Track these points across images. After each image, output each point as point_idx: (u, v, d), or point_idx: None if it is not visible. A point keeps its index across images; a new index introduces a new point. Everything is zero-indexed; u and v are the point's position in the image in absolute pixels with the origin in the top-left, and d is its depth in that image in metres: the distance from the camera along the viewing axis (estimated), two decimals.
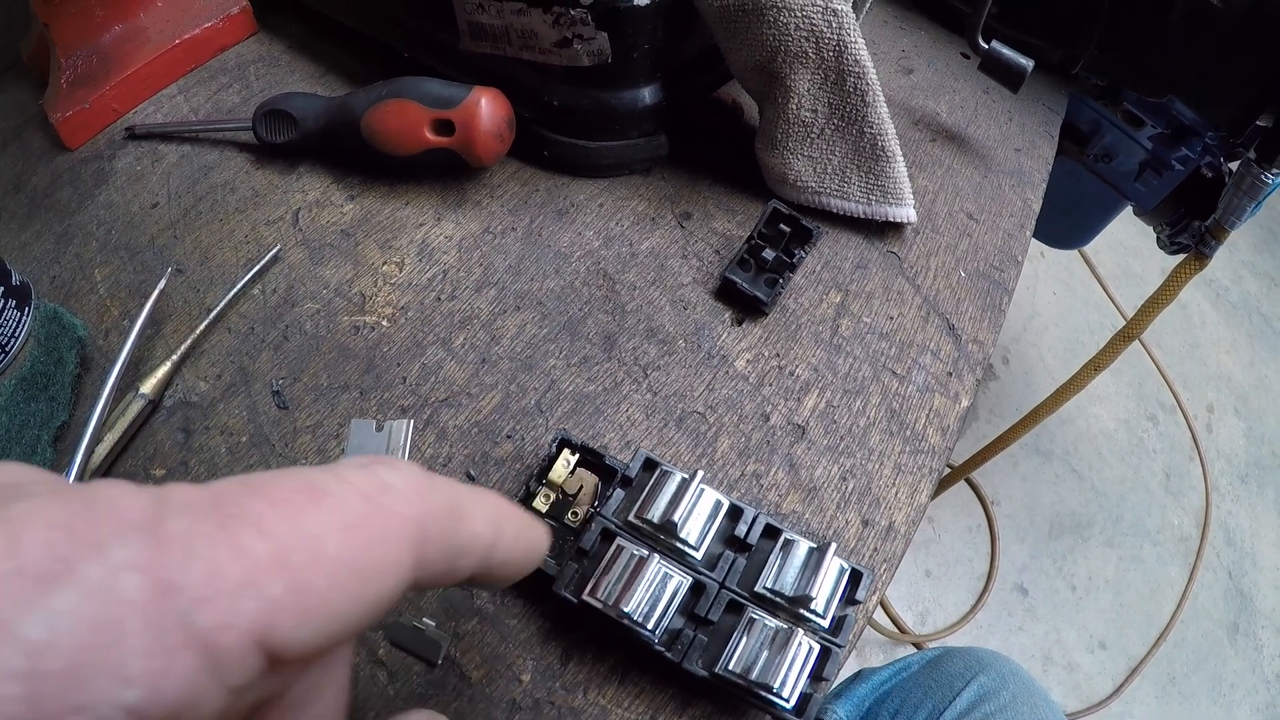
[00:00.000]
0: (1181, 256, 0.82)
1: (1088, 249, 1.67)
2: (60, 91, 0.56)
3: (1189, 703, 1.31)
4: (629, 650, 0.37)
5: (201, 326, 0.46)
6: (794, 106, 0.47)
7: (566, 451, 0.38)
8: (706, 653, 0.34)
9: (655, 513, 0.34)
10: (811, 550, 0.35)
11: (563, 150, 0.51)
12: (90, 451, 0.41)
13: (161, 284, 0.47)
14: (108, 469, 0.42)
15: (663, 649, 0.34)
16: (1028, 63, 0.59)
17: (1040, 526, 1.42)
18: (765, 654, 0.33)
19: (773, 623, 0.34)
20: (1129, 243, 1.76)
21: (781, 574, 0.34)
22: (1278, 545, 1.50)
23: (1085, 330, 1.63)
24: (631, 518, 0.35)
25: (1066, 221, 1.07)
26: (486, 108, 0.47)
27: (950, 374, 0.48)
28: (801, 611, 0.34)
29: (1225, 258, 1.88)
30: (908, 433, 0.45)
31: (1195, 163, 0.84)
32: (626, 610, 0.32)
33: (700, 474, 0.35)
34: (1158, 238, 0.96)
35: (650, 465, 0.37)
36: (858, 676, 0.66)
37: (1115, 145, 0.88)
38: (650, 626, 0.33)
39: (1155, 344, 1.64)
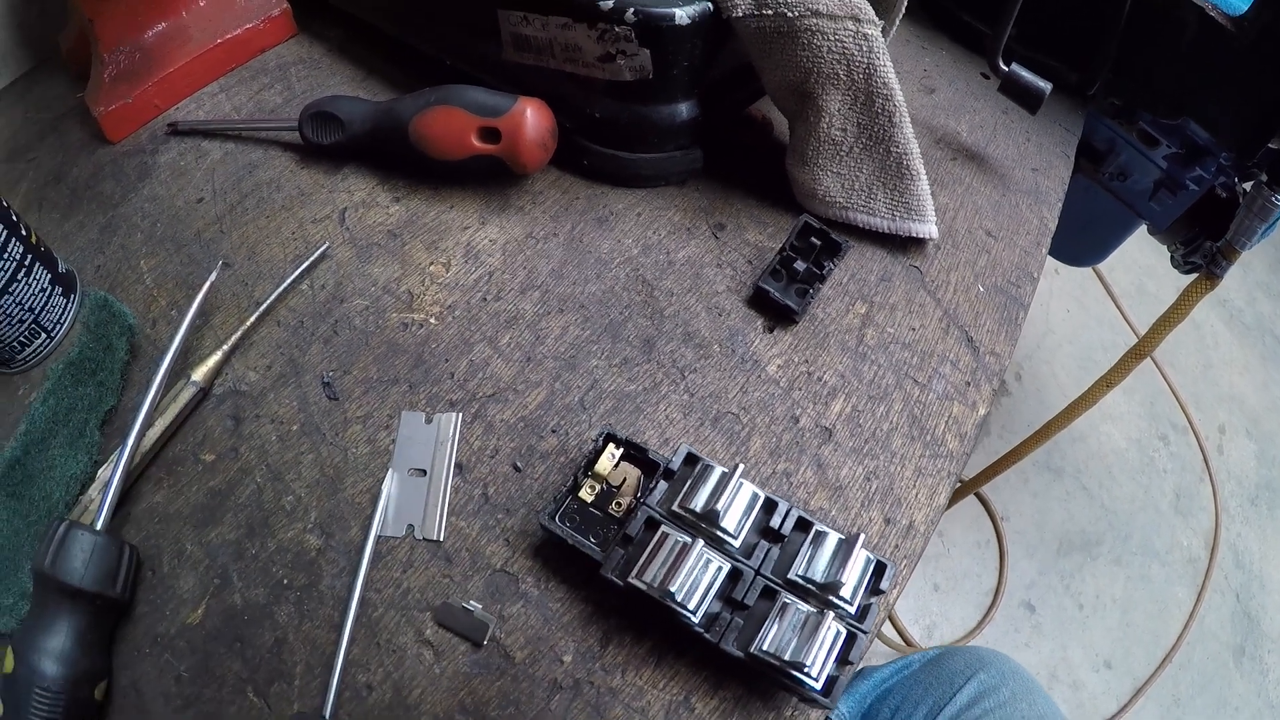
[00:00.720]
0: (1194, 276, 0.86)
1: (1102, 267, 1.71)
2: (103, 85, 0.59)
3: None
4: (665, 634, 0.41)
5: (253, 318, 0.49)
6: (825, 125, 0.52)
7: (611, 446, 0.42)
8: (742, 635, 0.38)
9: (698, 503, 0.38)
10: (841, 541, 0.39)
11: (602, 161, 0.55)
12: (142, 435, 0.44)
13: (213, 276, 0.50)
14: (157, 453, 0.46)
15: (702, 629, 0.38)
16: (1046, 85, 0.64)
17: (1049, 543, 1.46)
18: (797, 637, 0.37)
19: (804, 607, 0.38)
20: (1143, 261, 1.81)
21: (813, 563, 0.38)
22: None
23: (1098, 348, 1.68)
24: (675, 507, 0.39)
25: (1081, 239, 1.11)
26: (532, 117, 0.51)
27: (969, 384, 0.52)
28: (831, 598, 0.38)
29: (1239, 279, 1.93)
30: (928, 438, 0.49)
31: (1210, 183, 0.87)
32: (672, 591, 0.36)
33: (740, 468, 0.39)
34: (1171, 257, 0.99)
35: (691, 460, 0.41)
36: (860, 674, 0.69)
37: (1130, 164, 0.91)
38: (692, 608, 0.37)
39: (1168, 363, 1.68)
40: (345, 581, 0.42)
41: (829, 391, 0.49)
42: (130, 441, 0.43)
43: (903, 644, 1.31)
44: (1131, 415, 1.63)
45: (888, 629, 1.31)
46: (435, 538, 0.43)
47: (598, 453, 0.42)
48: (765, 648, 0.37)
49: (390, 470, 0.45)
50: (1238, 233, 0.77)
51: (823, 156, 0.53)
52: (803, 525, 0.40)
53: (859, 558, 0.38)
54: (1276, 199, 0.71)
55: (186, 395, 0.47)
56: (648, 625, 0.41)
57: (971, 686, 0.60)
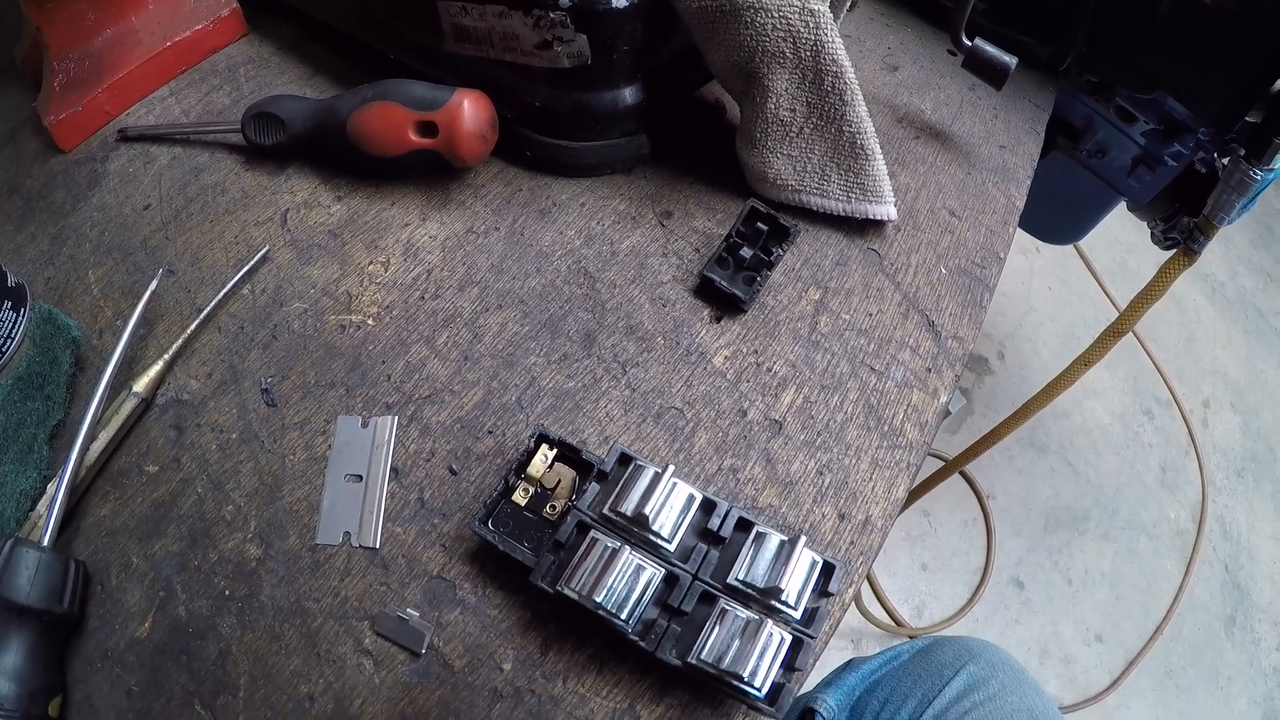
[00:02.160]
0: (1162, 264, 0.83)
1: (1083, 244, 1.67)
2: (53, 94, 0.57)
3: (1186, 695, 1.31)
4: (607, 640, 0.38)
5: (192, 326, 0.47)
6: (772, 106, 0.48)
7: (545, 447, 0.39)
8: (680, 642, 0.35)
9: (629, 506, 0.35)
10: (782, 543, 0.36)
11: (545, 150, 0.51)
12: (85, 449, 0.42)
13: (153, 285, 0.48)
14: (103, 466, 0.43)
15: (636, 638, 0.34)
16: (1011, 60, 0.60)
17: (1036, 520, 1.42)
18: (736, 644, 0.33)
19: (744, 613, 0.34)
20: (1124, 238, 1.76)
21: (753, 566, 0.35)
22: (1275, 539, 1.50)
23: (1081, 325, 1.63)
24: (606, 511, 0.36)
25: (1061, 217, 1.07)
26: (469, 109, 0.48)
27: (929, 370, 0.48)
28: (773, 603, 0.35)
29: (1221, 253, 1.88)
30: (885, 428, 0.46)
31: (1188, 159, 0.84)
32: (599, 600, 0.33)
33: (671, 468, 0.36)
34: (1151, 233, 0.96)
35: (625, 460, 0.38)
36: (849, 665, 0.66)
37: (1108, 141, 0.88)
38: (624, 616, 0.34)
39: (1151, 339, 1.64)
40: (285, 592, 0.39)
41: (779, 382, 0.46)
42: (74, 456, 0.41)
43: (893, 624, 1.27)
44: (1115, 391, 1.58)
45: (877, 610, 1.28)
46: (372, 544, 0.40)
47: (530, 454, 0.39)
48: (704, 656, 0.34)
49: (326, 477, 0.42)
50: (1215, 207, 0.74)
51: (771, 138, 0.49)
52: (744, 526, 0.37)
53: (802, 559, 0.35)
54: (1254, 173, 0.68)
55: (129, 407, 0.45)
56: (588, 631, 0.38)
57: (961, 679, 0.58)
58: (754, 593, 0.35)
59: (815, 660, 0.39)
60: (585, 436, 0.43)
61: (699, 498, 0.37)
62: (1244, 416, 1.62)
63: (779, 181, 0.50)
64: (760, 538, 0.36)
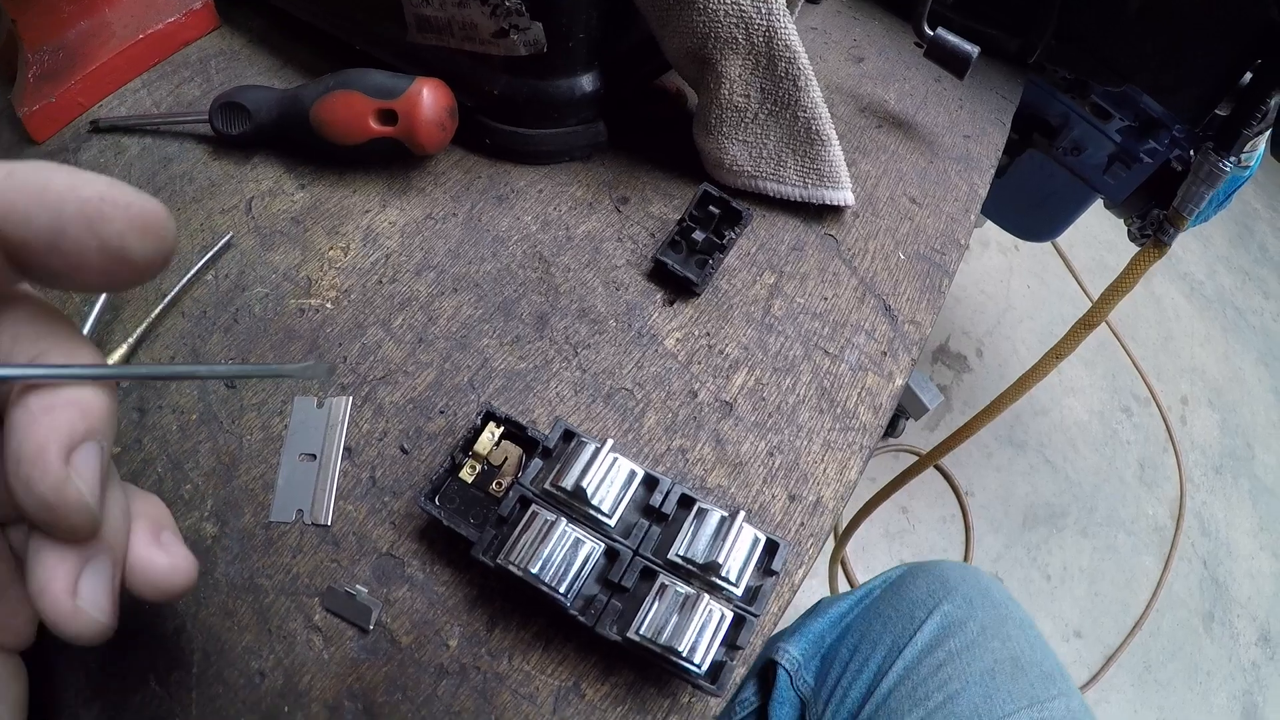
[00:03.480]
0: (1132, 256, 0.82)
1: (1061, 242, 1.67)
2: (27, 86, 0.57)
3: (1165, 691, 1.31)
4: (551, 618, 0.37)
5: (156, 311, 0.47)
6: (726, 92, 0.48)
7: (492, 424, 0.38)
8: (621, 618, 0.35)
9: (568, 480, 0.35)
10: (723, 519, 0.35)
11: (504, 138, 0.51)
12: None
13: None
14: None
15: (576, 613, 0.34)
16: (973, 49, 0.60)
17: (1014, 517, 1.42)
18: (675, 619, 0.33)
19: (683, 588, 0.34)
20: (1103, 236, 1.76)
21: (694, 542, 0.35)
22: (1252, 535, 1.50)
23: (1059, 323, 1.63)
24: (547, 485, 0.35)
25: (1037, 214, 1.07)
26: (428, 98, 0.48)
27: (885, 353, 0.48)
28: (713, 579, 0.34)
29: (1200, 252, 1.88)
30: (838, 410, 0.45)
31: (1164, 155, 0.83)
32: (535, 572, 0.33)
33: (610, 442, 0.35)
34: (1128, 230, 0.96)
35: (569, 436, 0.37)
36: (816, 609, 0.60)
37: (1084, 138, 0.87)
38: (563, 590, 0.33)
39: (1129, 337, 1.64)
40: (238, 569, 0.39)
41: (730, 364, 0.45)
42: None
43: None
44: (1093, 388, 1.58)
45: None
46: (324, 522, 0.40)
47: (477, 432, 0.38)
48: (642, 631, 0.33)
49: (281, 456, 0.42)
50: (1185, 199, 0.74)
51: (726, 124, 0.49)
52: (686, 502, 0.37)
53: (743, 536, 0.35)
54: (1223, 165, 0.67)
55: None
56: (533, 609, 0.38)
57: (934, 621, 0.52)
58: (694, 568, 0.35)
59: (760, 639, 0.38)
60: (535, 416, 0.42)
61: (641, 473, 0.36)
62: (1222, 414, 1.62)
63: (735, 168, 0.50)
64: (701, 514, 0.36)
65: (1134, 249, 0.91)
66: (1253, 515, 1.52)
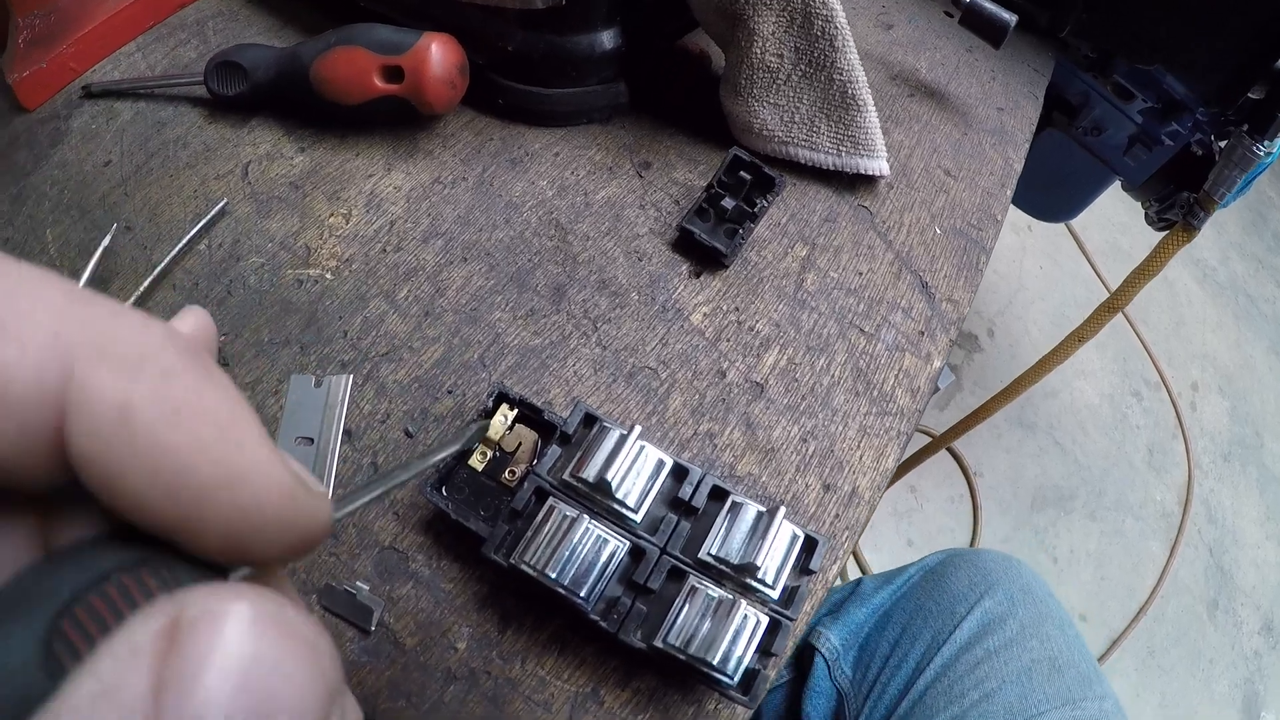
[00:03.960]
0: (1161, 238, 0.79)
1: (1075, 224, 1.61)
2: (18, 52, 0.52)
3: (1168, 676, 1.28)
4: (569, 619, 0.34)
5: (145, 284, 0.43)
6: (758, 51, 0.43)
7: (505, 406, 0.34)
8: (646, 623, 0.31)
9: (590, 471, 0.30)
10: (760, 514, 0.31)
11: (518, 98, 0.47)
12: None
13: (105, 241, 0.44)
14: None
15: (597, 618, 0.30)
16: (1010, 17, 0.55)
17: (1023, 499, 1.38)
18: (707, 625, 0.29)
19: (716, 592, 0.30)
20: (1117, 219, 1.70)
21: (728, 540, 0.31)
22: (1259, 523, 1.46)
23: (1071, 304, 1.58)
24: (566, 476, 0.31)
25: (1054, 194, 1.03)
26: (437, 53, 0.43)
27: (922, 333, 0.44)
28: (749, 581, 0.30)
29: (1213, 238, 1.82)
30: (875, 393, 0.41)
31: (1185, 139, 0.80)
32: (554, 575, 0.29)
33: (638, 429, 0.31)
34: (1146, 214, 0.92)
35: (590, 421, 0.33)
36: (856, 593, 0.57)
37: (1105, 118, 0.83)
38: (583, 594, 0.29)
39: (1141, 320, 1.59)
40: None
41: (761, 342, 0.41)
42: None
43: None
44: (1104, 371, 1.53)
45: None
46: None
47: (489, 414, 0.34)
48: (670, 639, 0.29)
49: (276, 440, 0.38)
50: (1216, 182, 0.70)
51: (757, 86, 0.44)
52: (719, 495, 0.32)
53: (782, 532, 0.31)
54: (1258, 149, 0.64)
55: None
56: (549, 609, 0.34)
57: (975, 616, 0.50)
58: (728, 569, 0.30)
59: (794, 644, 0.34)
60: (551, 397, 0.38)
61: (669, 463, 0.32)
62: (1232, 401, 1.57)
63: (765, 132, 0.46)
64: (736, 508, 0.32)
65: (1148, 232, 0.87)
66: (1260, 504, 1.47)
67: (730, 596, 0.29)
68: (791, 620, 0.30)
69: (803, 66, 0.44)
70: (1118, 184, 0.93)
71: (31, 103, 0.53)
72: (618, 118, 0.49)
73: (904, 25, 0.63)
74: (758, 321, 0.42)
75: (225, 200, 0.46)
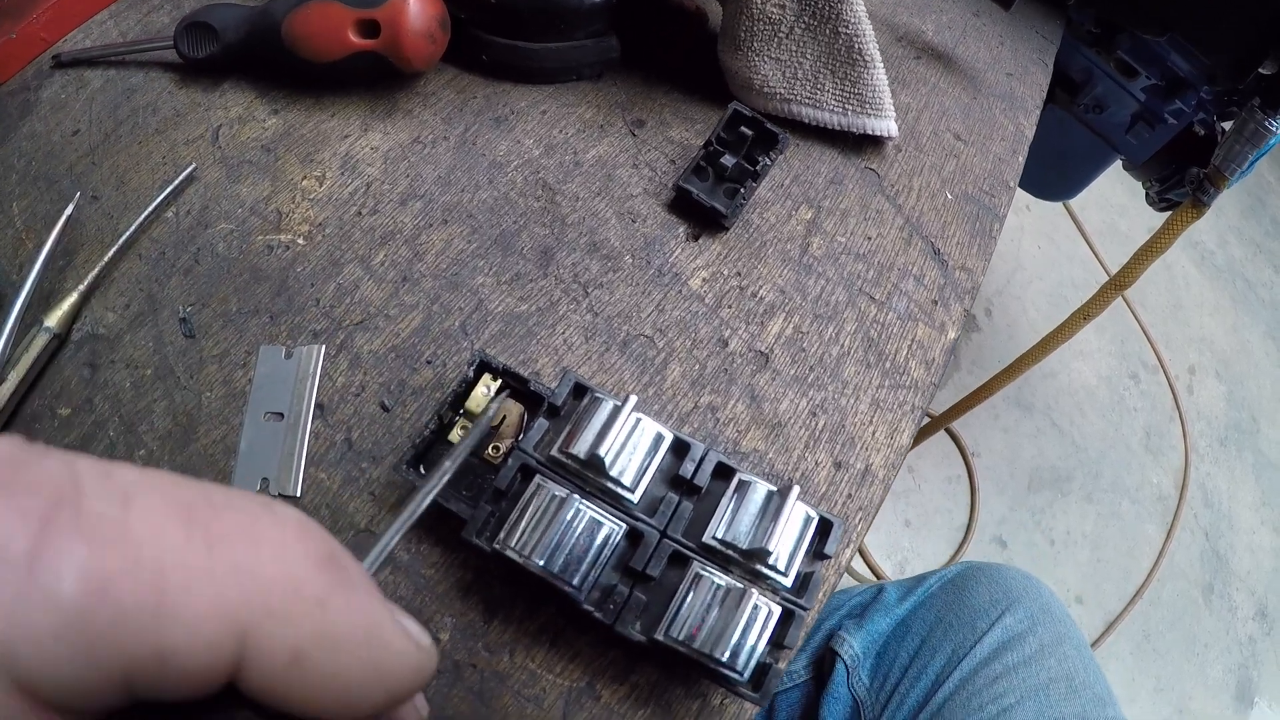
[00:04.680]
0: (1173, 210, 0.76)
1: (1074, 204, 1.57)
2: None
3: (1163, 660, 1.25)
4: (561, 607, 0.30)
5: (109, 253, 0.39)
6: (759, 1, 0.39)
7: (487, 376, 0.30)
8: (646, 614, 0.27)
9: (581, 446, 0.27)
10: (771, 494, 0.28)
11: (503, 53, 0.42)
12: None
13: (68, 210, 0.40)
14: (16, 408, 0.36)
15: (591, 609, 0.26)
16: None
17: (1020, 480, 1.34)
18: (714, 616, 0.25)
19: (723, 579, 0.26)
20: (1115, 200, 1.66)
21: (735, 522, 0.27)
22: (1254, 509, 1.43)
23: (1069, 285, 1.54)
24: (555, 452, 0.27)
25: (1055, 173, 1.00)
26: (415, 6, 0.39)
27: (935, 302, 0.40)
28: (758, 568, 0.27)
29: (1212, 222, 1.78)
30: (887, 365, 0.37)
31: (1189, 117, 0.77)
32: (542, 563, 0.25)
33: (634, 399, 0.27)
34: (1146, 194, 0.88)
35: (580, 391, 0.29)
36: (879, 600, 0.56)
37: (1107, 96, 0.80)
38: (576, 582, 0.26)
39: (1139, 303, 1.55)
40: None
41: (765, 309, 0.37)
42: None
43: (874, 580, 1.20)
44: (1102, 353, 1.50)
45: (858, 564, 1.20)
46: (292, 493, 0.33)
47: (469, 385, 0.30)
48: (673, 632, 0.26)
49: (245, 416, 0.34)
50: (1227, 158, 0.67)
51: (758, 39, 0.40)
52: (724, 472, 0.29)
53: (795, 514, 0.27)
54: (1271, 124, 0.61)
55: (40, 343, 0.37)
56: (540, 596, 0.30)
57: (996, 632, 0.50)
58: (736, 555, 0.27)
59: (806, 634, 0.31)
60: (539, 367, 0.34)
61: (669, 438, 0.28)
62: (1229, 385, 1.54)
63: (766, 89, 0.42)
64: (744, 487, 0.28)
65: (1147, 214, 0.84)
66: (1255, 489, 1.44)
67: (739, 585, 0.26)
68: (805, 610, 0.27)
69: (806, 18, 0.40)
70: (1117, 164, 0.89)
71: (1, 75, 0.49)
72: (609, 74, 0.45)
73: None
74: (761, 287, 0.38)
75: (194, 165, 0.42)
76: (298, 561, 0.14)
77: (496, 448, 0.30)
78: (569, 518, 0.26)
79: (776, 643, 0.26)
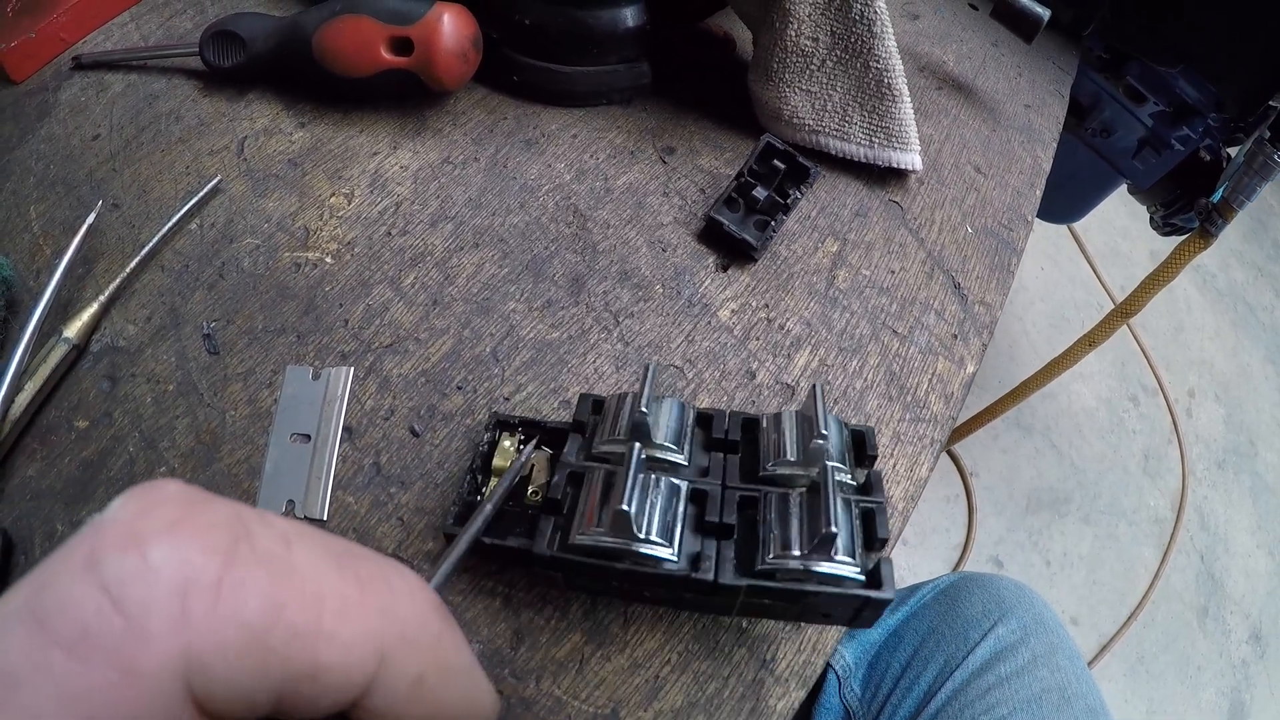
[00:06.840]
0: (1175, 239, 0.77)
1: (1077, 226, 1.59)
2: (6, 21, 0.49)
3: (1156, 682, 1.26)
4: (589, 632, 0.31)
5: (132, 264, 0.39)
6: (793, 33, 0.40)
7: (505, 433, 0.31)
8: (740, 563, 0.26)
9: (620, 428, 0.27)
10: (798, 414, 0.28)
11: (534, 75, 0.43)
12: (9, 401, 0.35)
13: (90, 218, 0.41)
14: (32, 419, 0.36)
15: (690, 573, 0.26)
16: (1044, 11, 0.53)
17: (1018, 500, 1.36)
18: (804, 527, 0.25)
19: (797, 492, 0.26)
20: (1118, 222, 1.68)
21: (781, 447, 0.27)
22: (1251, 532, 1.45)
23: (1071, 307, 1.56)
24: (595, 449, 0.28)
25: (1060, 195, 1.01)
26: (449, 24, 0.40)
27: (955, 336, 0.41)
28: (820, 469, 0.26)
29: (1214, 245, 1.81)
30: (908, 398, 0.38)
31: (1195, 144, 0.78)
32: (639, 531, 0.25)
33: (655, 360, 0.28)
34: (1150, 218, 0.90)
35: (597, 405, 0.30)
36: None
37: (1115, 120, 0.81)
38: (668, 554, 0.25)
39: (1140, 325, 1.57)
40: None
41: (793, 342, 0.38)
42: None
43: None
44: (1102, 375, 1.52)
45: None
46: (318, 516, 0.33)
47: (493, 445, 0.31)
48: (771, 557, 0.25)
49: (270, 437, 0.35)
50: (1236, 190, 0.69)
51: (790, 70, 0.41)
52: (750, 426, 0.30)
53: (830, 419, 0.27)
54: (1278, 157, 0.62)
55: (59, 354, 0.37)
56: (566, 624, 0.31)
57: (989, 643, 0.50)
58: (796, 471, 0.27)
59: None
60: (570, 396, 0.35)
61: (693, 412, 0.29)
62: (1228, 409, 1.56)
63: (795, 120, 0.43)
64: (776, 421, 0.28)
65: (1150, 237, 0.86)
66: (1252, 513, 1.46)
67: (813, 492, 0.26)
68: (881, 502, 0.27)
69: (838, 52, 0.41)
70: (1122, 187, 0.91)
71: (19, 74, 0.50)
72: (639, 100, 0.46)
73: (930, 16, 0.60)
74: (788, 320, 0.39)
75: (219, 177, 0.42)
76: (422, 604, 0.17)
77: (536, 492, 0.30)
78: (632, 486, 0.25)
79: (869, 542, 0.26)
